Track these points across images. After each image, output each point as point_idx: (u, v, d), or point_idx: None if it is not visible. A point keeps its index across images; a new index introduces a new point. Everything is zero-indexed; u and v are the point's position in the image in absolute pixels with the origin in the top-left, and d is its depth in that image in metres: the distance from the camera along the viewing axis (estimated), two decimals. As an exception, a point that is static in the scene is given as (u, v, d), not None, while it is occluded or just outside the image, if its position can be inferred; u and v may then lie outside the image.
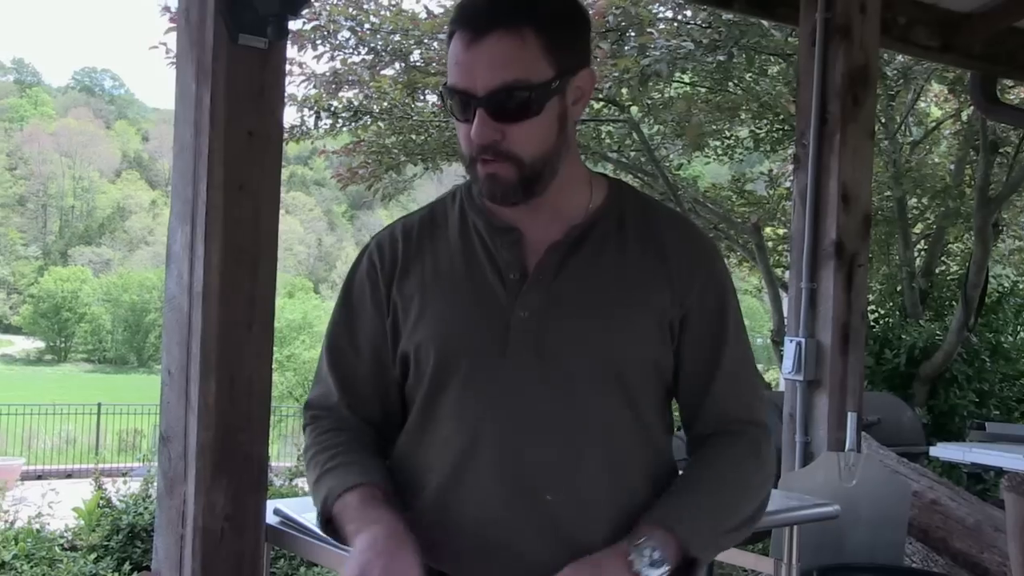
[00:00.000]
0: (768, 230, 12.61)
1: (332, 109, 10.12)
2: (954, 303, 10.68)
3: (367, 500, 1.65)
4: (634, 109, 10.57)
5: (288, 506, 3.20)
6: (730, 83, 10.56)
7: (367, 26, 9.51)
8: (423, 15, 9.41)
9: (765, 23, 8.11)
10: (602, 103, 10.34)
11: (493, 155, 1.64)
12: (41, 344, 64.22)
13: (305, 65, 10.06)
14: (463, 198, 1.82)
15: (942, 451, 7.18)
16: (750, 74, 10.44)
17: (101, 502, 9.27)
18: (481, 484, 1.67)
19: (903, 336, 10.07)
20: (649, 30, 8.42)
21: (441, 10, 9.40)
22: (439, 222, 1.82)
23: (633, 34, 8.44)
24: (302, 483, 9.87)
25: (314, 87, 9.98)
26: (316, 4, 9.29)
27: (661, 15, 9.00)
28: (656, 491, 1.70)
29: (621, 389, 1.69)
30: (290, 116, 10.34)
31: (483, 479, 1.67)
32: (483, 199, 1.73)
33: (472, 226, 1.78)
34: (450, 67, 1.66)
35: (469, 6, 1.67)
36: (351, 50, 9.74)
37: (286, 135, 9.98)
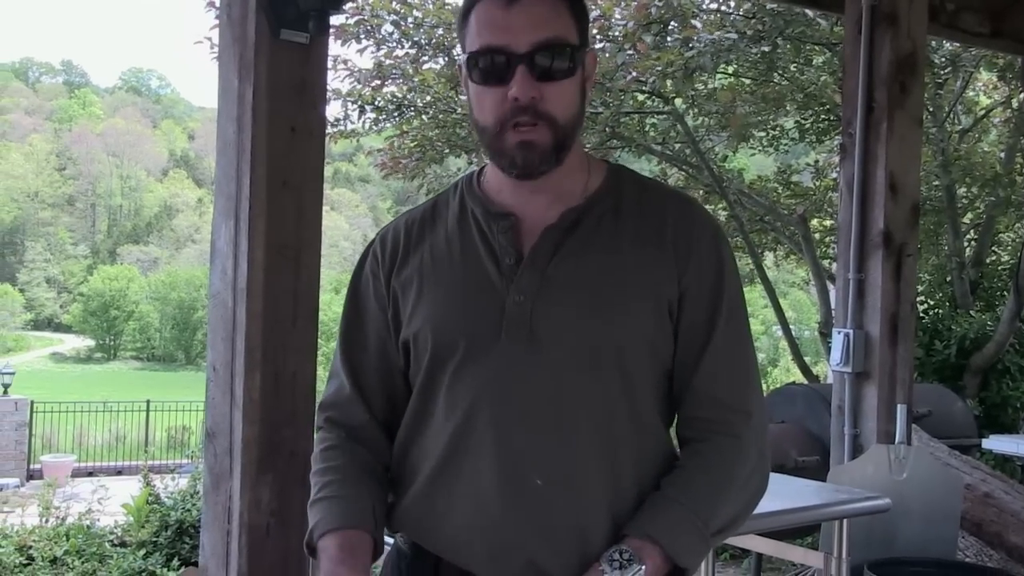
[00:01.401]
0: (815, 222, 12.51)
1: (376, 103, 10.15)
2: (1005, 293, 10.54)
3: (345, 550, 1.67)
4: (678, 101, 10.52)
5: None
6: (775, 74, 10.48)
7: (410, 20, 9.53)
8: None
9: (810, 12, 8.04)
10: (646, 95, 10.30)
11: (532, 116, 1.64)
12: (91, 342, 65.04)
13: (350, 61, 10.10)
14: (463, 188, 1.83)
15: (995, 443, 7.10)
16: (795, 64, 10.35)
17: (150, 498, 9.37)
18: (474, 466, 1.66)
19: (953, 327, 9.94)
20: (693, 22, 8.37)
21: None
22: (440, 213, 1.83)
23: (676, 26, 8.39)
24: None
25: (358, 82, 10.01)
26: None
27: (704, 6, 8.94)
28: (651, 479, 1.68)
29: (616, 372, 1.67)
30: (334, 110, 10.39)
31: (476, 461, 1.66)
32: (508, 169, 1.70)
33: (471, 214, 1.78)
34: (480, 32, 1.66)
35: None
36: (394, 44, 9.76)
37: (330, 130, 10.02)
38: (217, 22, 8.70)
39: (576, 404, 1.65)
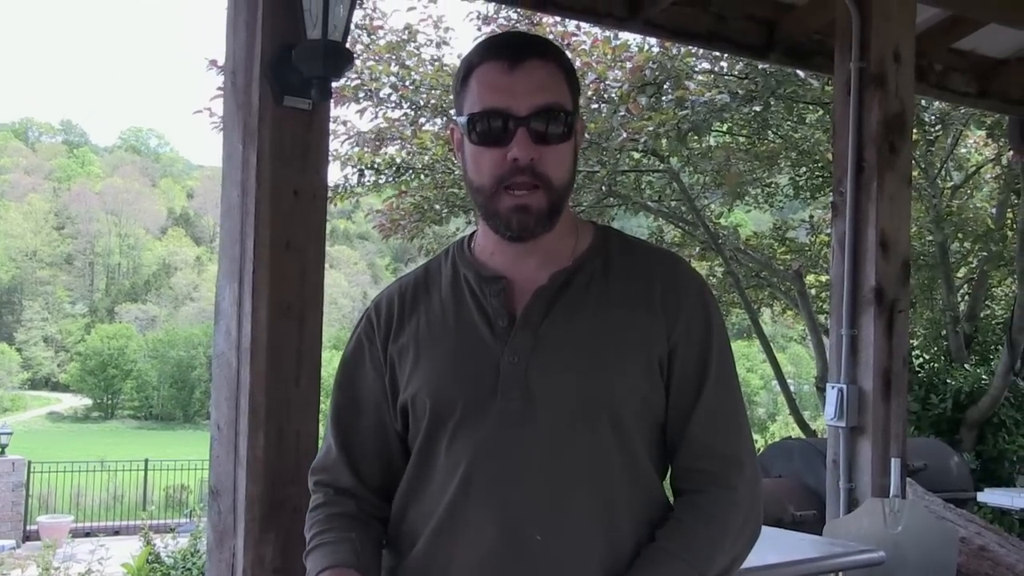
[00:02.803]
0: (811, 277, 12.59)
1: (375, 166, 10.26)
2: (999, 347, 10.60)
3: None
4: (674, 159, 10.64)
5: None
6: (769, 131, 10.60)
7: (408, 82, 9.66)
8: (464, 70, 9.52)
9: (801, 73, 8.16)
10: (642, 154, 10.42)
11: (530, 176, 1.69)
12: (88, 401, 64.77)
13: (349, 123, 10.23)
14: (455, 254, 1.87)
15: (990, 497, 7.11)
16: (788, 123, 10.48)
17: (150, 558, 9.34)
18: (474, 524, 1.69)
19: (948, 381, 10.00)
20: (686, 82, 8.49)
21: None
22: (433, 278, 1.87)
23: (670, 88, 8.50)
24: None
25: (356, 145, 10.13)
26: (358, 61, 9.44)
27: (698, 67, 9.07)
28: (646, 531, 1.72)
29: (610, 428, 1.71)
30: (334, 174, 10.51)
31: (475, 520, 1.69)
32: (503, 231, 1.75)
33: (463, 279, 1.82)
34: (481, 94, 1.71)
35: (500, 42, 1.79)
36: (393, 105, 9.89)
37: (330, 193, 10.12)
38: (217, 90, 8.91)
39: (572, 460, 1.69)
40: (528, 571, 1.67)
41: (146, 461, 21.81)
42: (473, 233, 1.90)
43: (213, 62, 9.61)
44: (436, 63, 9.85)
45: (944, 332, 11.51)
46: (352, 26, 3.44)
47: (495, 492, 1.69)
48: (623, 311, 1.76)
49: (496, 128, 1.69)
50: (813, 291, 12.48)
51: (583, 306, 1.76)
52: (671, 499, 1.81)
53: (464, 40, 7.68)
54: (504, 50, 1.73)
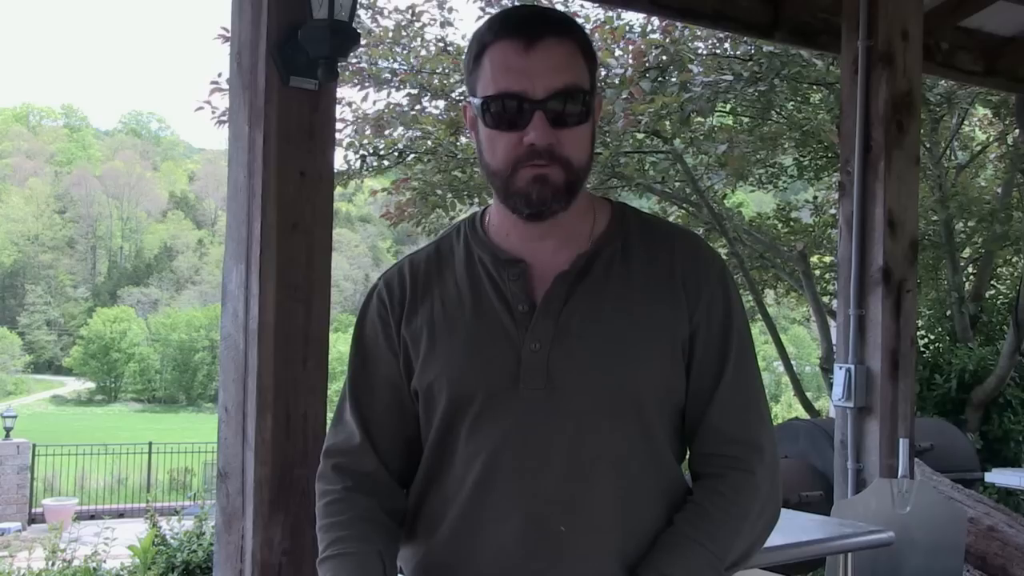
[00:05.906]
0: (814, 258, 12.54)
1: (377, 151, 10.21)
2: (1005, 327, 10.58)
3: None
4: (677, 140, 10.59)
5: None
6: (772, 112, 10.56)
7: (412, 60, 9.62)
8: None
9: (805, 53, 8.12)
10: (645, 135, 10.37)
11: (548, 159, 1.63)
12: (91, 385, 64.88)
13: (355, 104, 10.18)
14: (467, 233, 1.81)
15: (998, 477, 7.11)
16: (792, 103, 10.44)
17: (156, 540, 9.36)
18: (497, 516, 1.67)
19: (953, 361, 9.97)
20: (689, 67, 8.44)
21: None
22: (445, 258, 1.81)
23: (674, 70, 8.45)
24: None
25: (356, 131, 10.07)
26: (362, 45, 9.39)
27: (701, 49, 9.02)
28: (667, 519, 1.70)
29: (634, 417, 1.69)
30: (336, 160, 10.46)
31: (498, 511, 1.67)
32: (521, 208, 1.69)
33: (478, 260, 1.77)
34: (495, 76, 1.64)
35: (514, 19, 1.68)
36: (394, 87, 9.84)
37: (332, 176, 10.07)
38: (211, 83, 8.92)
39: (596, 449, 1.67)
40: (552, 561, 1.65)
41: (150, 444, 21.84)
42: (484, 211, 1.84)
43: (224, 30, 9.49)
44: (439, 43, 9.81)
45: (949, 312, 11.49)
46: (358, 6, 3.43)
47: (518, 483, 1.66)
48: (645, 296, 1.72)
49: (511, 111, 1.63)
50: (817, 272, 12.44)
51: (604, 292, 1.72)
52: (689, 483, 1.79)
53: (468, 20, 7.65)
54: (519, 28, 1.65)
